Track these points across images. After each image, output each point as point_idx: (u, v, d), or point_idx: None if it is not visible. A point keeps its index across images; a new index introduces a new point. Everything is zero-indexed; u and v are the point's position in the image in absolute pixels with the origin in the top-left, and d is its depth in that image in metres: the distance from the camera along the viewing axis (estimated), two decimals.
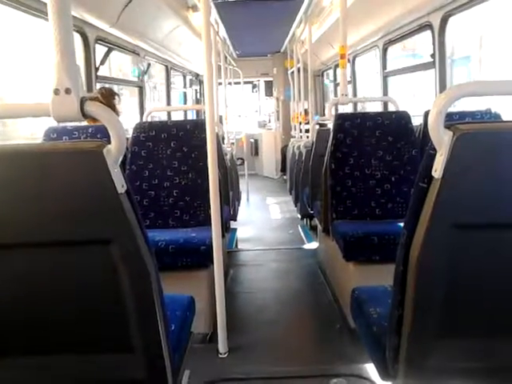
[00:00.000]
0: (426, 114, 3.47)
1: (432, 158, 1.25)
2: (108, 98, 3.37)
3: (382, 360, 1.56)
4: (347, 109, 5.48)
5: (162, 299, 1.38)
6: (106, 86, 4.13)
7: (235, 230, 5.76)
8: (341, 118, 3.44)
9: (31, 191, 1.20)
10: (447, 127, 1.21)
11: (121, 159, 1.21)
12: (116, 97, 3.49)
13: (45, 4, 1.25)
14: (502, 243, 1.30)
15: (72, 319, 1.34)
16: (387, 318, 1.53)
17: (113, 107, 3.39)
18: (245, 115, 10.11)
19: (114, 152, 1.19)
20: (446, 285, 1.32)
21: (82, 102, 1.22)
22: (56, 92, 1.22)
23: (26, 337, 1.36)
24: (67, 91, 1.21)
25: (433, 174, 1.25)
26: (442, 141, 1.21)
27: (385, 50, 5.41)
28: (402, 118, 3.41)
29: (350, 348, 2.78)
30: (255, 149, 11.33)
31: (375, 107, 6.57)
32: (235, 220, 5.18)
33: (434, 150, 1.24)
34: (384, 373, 1.57)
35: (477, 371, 1.45)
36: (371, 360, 1.73)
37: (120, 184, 1.20)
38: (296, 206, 6.45)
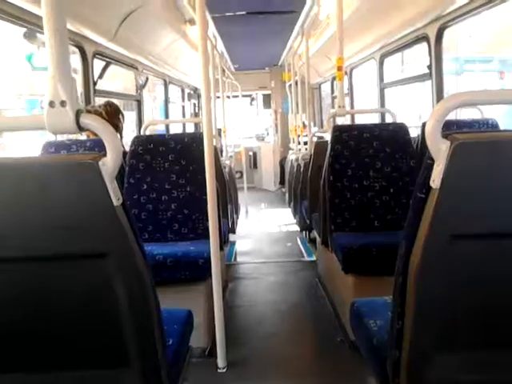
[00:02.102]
0: (424, 125, 3.48)
1: (430, 168, 1.25)
2: (113, 116, 3.37)
3: (382, 373, 1.55)
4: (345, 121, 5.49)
5: (159, 313, 1.36)
6: (104, 100, 4.13)
7: (234, 242, 5.75)
8: (338, 130, 3.44)
9: (26, 204, 1.20)
10: (445, 137, 1.21)
11: (116, 172, 1.21)
12: (120, 115, 3.49)
13: (41, 18, 1.25)
14: (502, 253, 1.29)
15: (68, 334, 1.32)
16: (387, 330, 1.52)
17: (115, 125, 3.38)
18: (243, 129, 10.14)
19: (109, 164, 1.18)
20: (445, 296, 1.31)
21: (78, 114, 1.22)
22: (51, 104, 1.22)
23: (21, 353, 1.34)
24: (62, 104, 1.21)
25: (431, 184, 1.24)
26: (440, 150, 1.21)
27: (381, 62, 5.44)
28: (400, 130, 3.41)
29: (350, 361, 2.76)
30: (254, 162, 11.36)
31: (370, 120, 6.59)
32: (234, 233, 5.17)
33: (432, 159, 1.24)
34: None
35: None
36: (372, 373, 1.71)
37: (116, 197, 1.19)
38: (295, 218, 6.44)
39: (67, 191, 1.19)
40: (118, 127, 3.46)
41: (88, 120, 1.23)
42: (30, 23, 3.05)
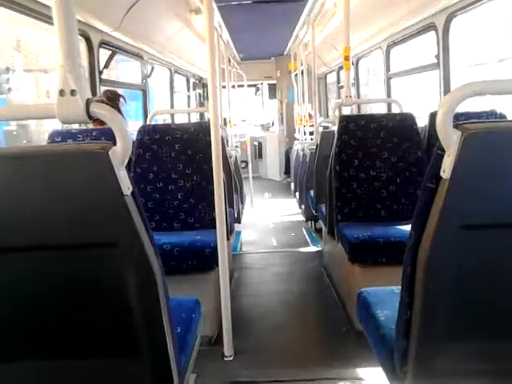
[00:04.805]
0: (432, 115, 3.46)
1: (440, 158, 1.24)
2: (113, 101, 3.37)
3: (390, 363, 1.55)
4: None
5: (168, 302, 1.37)
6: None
7: (240, 232, 5.75)
8: (345, 120, 3.43)
9: (37, 193, 1.20)
10: (455, 127, 1.20)
11: (126, 161, 1.21)
12: (121, 99, 3.49)
13: (50, 8, 1.25)
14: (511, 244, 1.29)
15: (77, 322, 1.33)
16: (395, 320, 1.52)
17: (118, 109, 3.40)
18: (249, 119, 10.13)
19: (119, 154, 1.18)
20: (454, 286, 1.31)
21: (88, 103, 1.22)
22: (61, 93, 1.22)
23: (30, 340, 1.35)
24: (72, 93, 1.21)
25: (441, 174, 1.24)
26: (451, 141, 1.20)
27: (388, 52, 5.40)
28: (407, 120, 3.40)
29: (356, 351, 2.77)
30: (259, 151, 11.33)
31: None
32: (240, 223, 5.18)
33: (442, 150, 1.23)
34: (392, 375, 1.56)
35: (485, 374, 1.43)
36: (379, 363, 1.71)
37: (126, 186, 1.20)
38: (300, 208, 6.43)
39: (77, 181, 1.19)
40: (120, 112, 3.48)
41: (98, 109, 1.23)
42: (39, 13, 3.05)
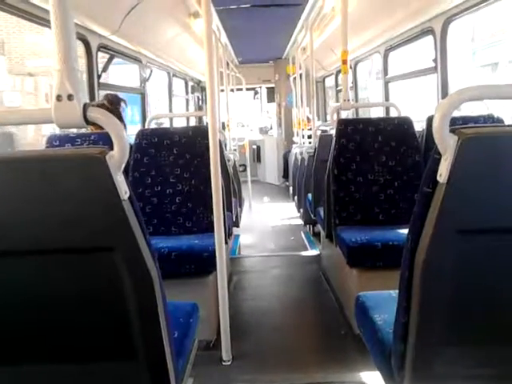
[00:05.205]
0: (429, 119, 3.47)
1: (437, 162, 1.24)
2: (114, 104, 3.37)
3: (387, 367, 1.55)
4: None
5: (165, 306, 1.37)
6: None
7: (238, 236, 5.75)
8: (343, 124, 3.43)
9: (34, 198, 1.20)
10: (452, 131, 1.20)
11: (124, 165, 1.21)
12: (122, 103, 3.49)
13: (48, 12, 1.25)
14: (509, 248, 1.29)
15: (74, 326, 1.33)
16: (392, 324, 1.52)
17: (119, 114, 3.40)
18: (247, 123, 10.14)
19: (116, 158, 1.18)
20: (451, 291, 1.31)
21: (85, 108, 1.22)
22: (58, 98, 1.22)
23: (26, 345, 1.35)
24: (70, 97, 1.21)
25: (437, 178, 1.24)
26: (447, 145, 1.20)
27: (386, 56, 5.41)
28: (405, 123, 3.40)
29: (354, 355, 2.76)
30: (257, 155, 11.33)
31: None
32: (238, 226, 5.17)
33: (439, 154, 1.23)
34: (389, 379, 1.56)
35: (482, 378, 1.43)
36: (376, 367, 1.71)
37: (123, 190, 1.20)
38: (299, 212, 6.43)
39: (74, 185, 1.19)
40: (121, 117, 3.48)
41: (95, 114, 1.23)
42: (37, 17, 3.06)
